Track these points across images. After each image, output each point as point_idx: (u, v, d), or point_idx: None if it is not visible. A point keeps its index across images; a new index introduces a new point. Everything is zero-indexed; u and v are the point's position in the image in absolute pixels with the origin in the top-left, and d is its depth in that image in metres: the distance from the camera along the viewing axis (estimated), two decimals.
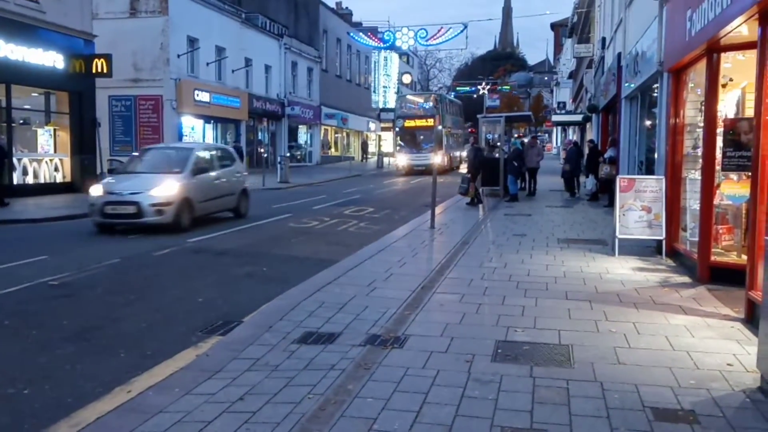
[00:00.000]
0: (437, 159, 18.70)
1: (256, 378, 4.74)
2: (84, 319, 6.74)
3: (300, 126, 43.17)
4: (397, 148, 36.41)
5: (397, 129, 36.59)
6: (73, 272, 9.01)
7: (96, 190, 13.21)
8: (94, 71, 21.19)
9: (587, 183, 19.79)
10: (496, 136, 22.71)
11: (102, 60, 21.17)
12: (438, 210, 14.88)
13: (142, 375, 5.01)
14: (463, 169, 31.66)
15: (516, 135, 32.23)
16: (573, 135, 44.65)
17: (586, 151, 20.57)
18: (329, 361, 5.07)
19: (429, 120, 34.79)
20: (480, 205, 17.18)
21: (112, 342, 6.00)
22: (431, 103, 36.95)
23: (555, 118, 48.03)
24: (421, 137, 34.61)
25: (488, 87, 63.35)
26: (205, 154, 14.91)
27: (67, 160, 21.21)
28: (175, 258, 10.39)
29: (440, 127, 33.20)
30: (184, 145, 16.47)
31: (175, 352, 5.55)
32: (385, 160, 43.57)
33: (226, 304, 7.33)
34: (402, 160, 35.17)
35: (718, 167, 7.77)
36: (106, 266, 9.55)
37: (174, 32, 27.43)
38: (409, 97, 39.86)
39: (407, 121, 35.61)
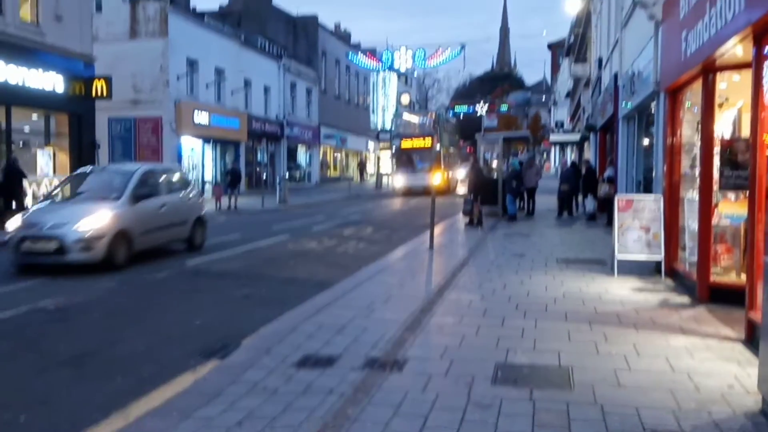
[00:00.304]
0: (436, 180, 18.58)
1: (255, 402, 4.70)
2: (80, 343, 6.72)
3: (299, 146, 43.32)
4: (395, 168, 35.33)
5: (394, 149, 35.42)
6: (69, 296, 8.98)
7: (13, 223, 11.39)
8: (93, 93, 21.28)
9: (587, 203, 19.71)
10: (494, 155, 22.82)
11: (102, 82, 21.27)
12: (437, 230, 14.88)
13: (139, 400, 4.97)
14: (461, 189, 31.69)
15: (517, 153, 31.84)
16: (571, 154, 44.83)
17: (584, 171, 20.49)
18: (328, 384, 5.04)
19: (427, 139, 33.90)
20: (479, 226, 17.16)
21: (109, 366, 5.97)
22: (429, 122, 35.94)
23: (553, 137, 48.29)
24: (419, 157, 33.49)
25: (486, 107, 63.64)
26: (151, 177, 12.88)
27: None
28: (173, 280, 10.37)
29: (439, 147, 32.70)
30: (126, 167, 14.06)
31: (172, 376, 5.52)
32: (384, 180, 43.34)
33: (224, 327, 7.31)
34: (399, 181, 34.03)
35: (715, 187, 7.80)
36: (102, 290, 9.53)
37: (173, 54, 27.62)
38: (406, 115, 38.94)
39: (405, 140, 34.50)
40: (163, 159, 26.90)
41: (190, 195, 14.08)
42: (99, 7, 25.49)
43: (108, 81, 21.37)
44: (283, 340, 6.25)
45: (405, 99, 55.86)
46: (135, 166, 13.65)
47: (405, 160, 34.07)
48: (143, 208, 11.98)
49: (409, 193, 32.50)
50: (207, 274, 10.93)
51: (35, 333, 7.18)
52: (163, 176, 13.54)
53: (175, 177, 14.15)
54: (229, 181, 25.64)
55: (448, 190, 34.44)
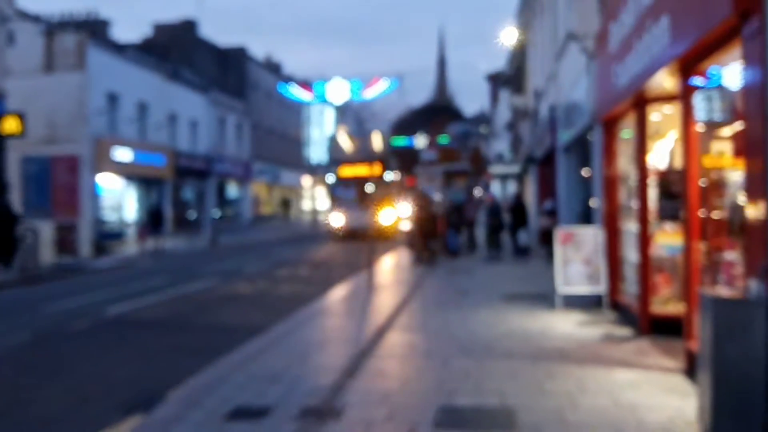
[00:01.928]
0: (387, 218, 17.77)
1: None
2: None
3: (230, 183, 42.92)
4: (331, 204, 29.76)
5: (329, 179, 30.29)
6: None
7: None
8: (4, 131, 20.65)
9: (520, 237, 19.58)
10: (435, 188, 23.20)
11: (14, 119, 20.68)
12: (377, 269, 14.94)
13: None
14: (404, 224, 30.47)
15: (477, 187, 31.74)
16: (513, 187, 45.81)
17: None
18: None
19: (374, 166, 28.69)
20: (430, 263, 17.06)
21: (22, 428, 5.73)
22: (378, 143, 30.63)
23: (493, 169, 49.32)
24: (363, 189, 28.06)
25: (425, 139, 64.60)
26: None
27: None
28: (93, 331, 10.05)
29: (388, 176, 28.66)
30: None
31: None
32: (322, 218, 42.60)
33: (149, 380, 7.12)
34: (337, 220, 28.17)
35: (652, 218, 8.14)
36: (15, 344, 9.16)
37: (92, 88, 27.13)
38: (346, 137, 33.31)
39: (344, 167, 29.16)
40: (80, 200, 26.20)
41: None
42: (12, 39, 24.89)
43: (21, 117, 20.79)
44: (213, 392, 6.14)
45: (342, 131, 55.40)
46: None
47: (345, 192, 28.85)
48: None
49: (352, 236, 26.81)
50: (130, 323, 10.64)
51: None
52: None
53: None
54: (150, 222, 25.18)
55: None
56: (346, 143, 30.98)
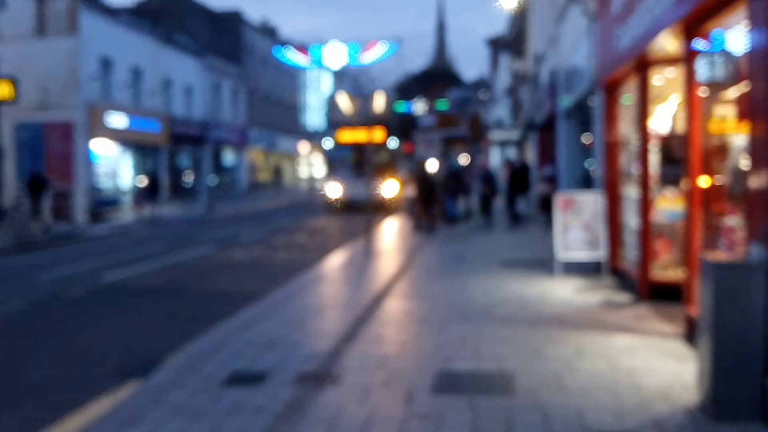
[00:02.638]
0: (390, 190, 17.14)
1: (179, 425, 4.62)
2: None
3: (226, 149, 42.73)
4: (328, 172, 27.58)
5: (326, 145, 28.66)
6: None
7: None
8: None
9: (518, 205, 19.22)
10: (432, 154, 23.09)
11: (6, 84, 20.50)
12: (375, 235, 14.95)
13: (52, 428, 4.82)
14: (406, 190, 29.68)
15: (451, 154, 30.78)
16: (512, 153, 45.65)
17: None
18: (258, 402, 5.00)
19: (376, 130, 25.98)
20: (430, 231, 17.04)
21: (19, 392, 5.77)
22: (381, 105, 29.00)
23: (492, 135, 49.08)
24: (365, 156, 26.38)
25: (424, 104, 64.26)
26: None
27: None
28: (89, 298, 10.07)
29: (393, 142, 26.34)
30: None
31: (88, 400, 5.37)
32: (318, 186, 42.18)
33: (145, 347, 7.15)
34: (335, 190, 25.84)
35: (653, 183, 8.11)
36: (12, 311, 9.18)
37: (85, 53, 26.81)
38: (346, 97, 32.12)
39: (343, 131, 26.02)
40: (75, 167, 26.08)
41: None
42: (2, 4, 24.54)
43: (13, 82, 20.60)
44: (210, 358, 6.16)
45: (342, 91, 53.16)
46: None
47: (343, 159, 26.80)
48: None
49: (350, 208, 25.00)
50: (126, 290, 10.66)
51: None
52: None
53: None
54: (146, 189, 25.12)
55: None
56: (345, 104, 28.54)
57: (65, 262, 13.58)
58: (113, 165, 29.47)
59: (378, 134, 24.30)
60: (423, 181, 18.45)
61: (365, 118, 26.80)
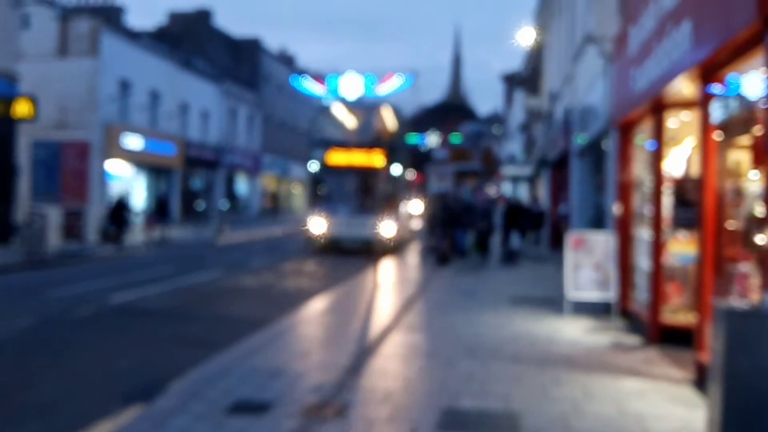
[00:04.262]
0: (388, 229, 15.66)
1: None
2: None
3: (239, 174, 42.98)
4: (310, 203, 21.75)
5: (311, 167, 21.94)
6: None
7: None
8: (16, 114, 20.73)
9: (512, 241, 18.59)
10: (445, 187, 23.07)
11: (26, 102, 20.75)
12: (384, 266, 14.91)
13: None
14: (417, 223, 28.68)
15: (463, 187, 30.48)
16: (524, 189, 45.65)
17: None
18: None
19: (374, 153, 21.10)
20: (442, 262, 17.00)
21: (21, 412, 5.74)
22: (386, 123, 23.88)
23: (505, 170, 49.13)
24: (359, 184, 21.15)
25: (438, 137, 64.56)
26: None
27: None
28: (96, 318, 10.07)
29: (395, 168, 21.42)
30: None
31: (90, 422, 5.34)
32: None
33: (149, 370, 7.12)
34: (319, 226, 20.22)
35: (666, 226, 8.07)
36: (19, 328, 9.18)
37: (105, 75, 27.22)
38: (338, 109, 25.31)
39: (333, 152, 21.21)
40: (89, 186, 26.29)
41: None
42: (27, 23, 24.99)
43: (33, 101, 20.86)
44: (214, 384, 6.13)
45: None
46: None
47: (333, 188, 21.37)
48: None
49: (338, 249, 20.35)
50: (133, 311, 10.66)
51: None
52: None
53: None
54: (157, 211, 25.29)
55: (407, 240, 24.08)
56: (342, 118, 23.74)
57: (75, 281, 13.60)
58: (127, 186, 29.70)
59: (377, 158, 20.85)
60: (444, 213, 18.29)
61: (364, 137, 22.14)
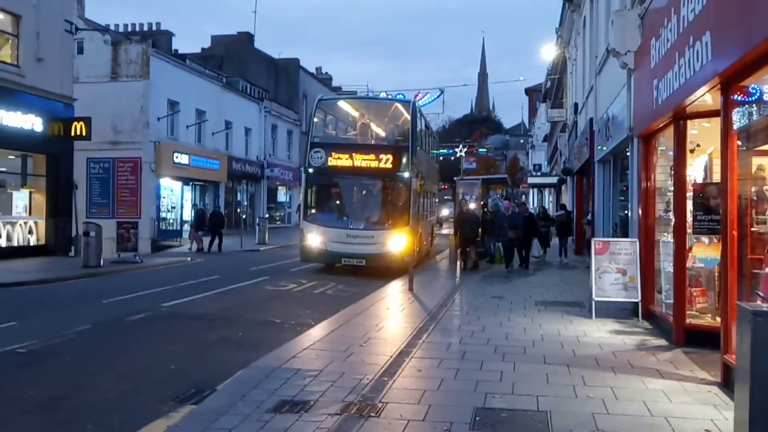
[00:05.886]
0: (399, 244, 14.38)
1: None
2: (50, 389, 6.54)
3: (279, 187, 43.32)
4: (304, 212, 18.23)
5: (307, 171, 17.71)
6: (42, 339, 8.78)
7: None
8: (72, 134, 21.20)
9: (533, 249, 18.55)
10: (473, 197, 23.00)
11: (81, 123, 21.20)
12: (416, 272, 14.84)
13: None
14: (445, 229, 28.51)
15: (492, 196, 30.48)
16: (549, 197, 45.25)
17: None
18: (303, 430, 4.95)
19: (387, 156, 17.19)
20: (465, 267, 16.94)
21: (79, 414, 5.81)
22: (398, 119, 18.87)
23: (530, 180, 48.78)
24: (366, 193, 18.13)
25: (465, 149, 64.35)
26: None
27: (42, 223, 20.98)
28: (147, 323, 10.20)
29: (411, 176, 17.01)
30: None
31: (144, 423, 5.39)
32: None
33: (198, 372, 7.17)
34: (314, 239, 17.08)
35: (689, 230, 7.90)
36: (76, 333, 9.33)
37: (154, 95, 27.70)
38: (347, 100, 21.99)
39: (334, 154, 17.42)
40: (141, 200, 26.69)
41: None
42: (81, 50, 25.56)
43: (87, 122, 21.31)
44: (259, 386, 6.14)
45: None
46: None
47: (332, 197, 18.29)
48: None
49: (335, 266, 17.45)
50: (182, 316, 10.76)
51: (3, 378, 6.98)
52: None
53: None
54: (199, 223, 25.56)
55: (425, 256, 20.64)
56: (348, 110, 19.92)
57: (128, 289, 13.79)
58: (175, 199, 30.14)
59: (390, 160, 16.98)
60: (480, 221, 18.52)
61: (376, 136, 18.15)
